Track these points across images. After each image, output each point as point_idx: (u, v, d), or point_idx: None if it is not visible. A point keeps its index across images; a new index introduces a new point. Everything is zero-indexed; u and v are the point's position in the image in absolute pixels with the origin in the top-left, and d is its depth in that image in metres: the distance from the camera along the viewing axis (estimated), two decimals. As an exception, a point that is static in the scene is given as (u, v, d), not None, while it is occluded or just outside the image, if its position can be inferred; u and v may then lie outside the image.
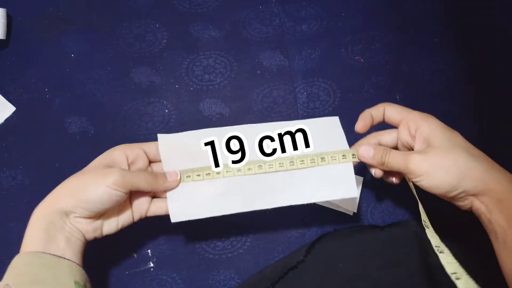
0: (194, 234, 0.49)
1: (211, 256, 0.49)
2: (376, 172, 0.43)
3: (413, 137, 0.40)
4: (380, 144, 0.43)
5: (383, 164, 0.41)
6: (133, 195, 0.41)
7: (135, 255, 0.48)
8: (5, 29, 0.50)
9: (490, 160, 0.38)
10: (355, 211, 0.50)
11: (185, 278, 0.48)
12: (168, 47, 0.52)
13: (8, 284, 0.34)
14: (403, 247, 0.50)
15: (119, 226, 0.41)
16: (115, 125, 0.50)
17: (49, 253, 0.36)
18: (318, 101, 0.52)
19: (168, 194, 0.41)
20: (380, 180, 0.51)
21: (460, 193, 0.37)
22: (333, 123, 0.45)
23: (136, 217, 0.42)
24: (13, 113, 0.50)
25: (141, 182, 0.39)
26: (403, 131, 0.41)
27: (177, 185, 0.42)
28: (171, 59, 0.51)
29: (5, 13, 0.50)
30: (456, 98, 0.53)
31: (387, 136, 0.43)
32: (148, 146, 0.42)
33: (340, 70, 0.52)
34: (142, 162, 0.42)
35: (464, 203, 0.38)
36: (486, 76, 0.54)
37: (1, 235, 0.48)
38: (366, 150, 0.42)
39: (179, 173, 0.41)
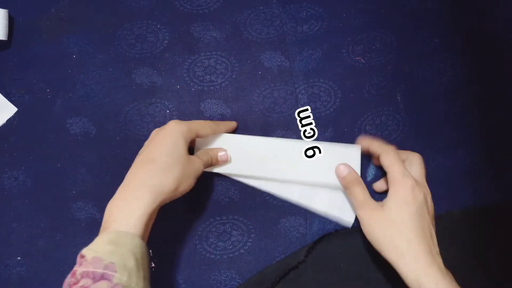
0: (195, 234, 0.49)
1: (212, 256, 0.49)
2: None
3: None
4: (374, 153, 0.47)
5: (346, 188, 0.46)
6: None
7: (137, 255, 0.48)
8: (7, 30, 0.50)
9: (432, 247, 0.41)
10: (352, 221, 0.49)
11: (186, 278, 0.48)
12: (169, 48, 0.52)
13: (113, 263, 0.33)
14: (404, 247, 0.50)
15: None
16: (116, 126, 0.50)
17: (144, 242, 0.37)
18: (319, 102, 0.52)
19: (198, 140, 0.47)
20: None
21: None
22: (354, 151, 0.48)
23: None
24: (15, 113, 0.50)
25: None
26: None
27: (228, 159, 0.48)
28: (172, 60, 0.51)
29: (7, 14, 0.50)
30: (457, 98, 0.53)
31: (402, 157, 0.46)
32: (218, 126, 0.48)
33: (341, 70, 0.52)
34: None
35: None
36: (487, 76, 0.54)
37: (3, 236, 0.48)
38: (343, 169, 0.46)
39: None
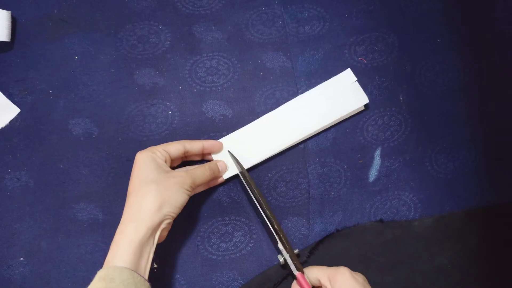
0: (197, 235, 0.49)
1: (214, 257, 0.49)
2: None
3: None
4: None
5: None
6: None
7: (139, 256, 0.48)
8: (10, 31, 0.50)
9: None
10: (367, 101, 0.51)
11: (188, 279, 0.48)
12: (171, 49, 0.52)
13: None
14: (406, 248, 0.50)
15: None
16: (118, 127, 0.50)
17: (139, 274, 0.38)
18: (321, 102, 0.52)
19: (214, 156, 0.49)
20: (383, 182, 0.51)
21: None
22: (347, 77, 0.51)
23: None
24: (18, 114, 0.50)
25: (202, 179, 0.45)
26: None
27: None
28: (174, 60, 0.52)
29: (10, 16, 0.50)
30: (459, 98, 0.53)
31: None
32: (192, 144, 0.46)
33: (343, 71, 0.52)
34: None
35: None
36: (489, 76, 0.53)
37: (6, 236, 0.48)
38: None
39: (226, 164, 0.48)
